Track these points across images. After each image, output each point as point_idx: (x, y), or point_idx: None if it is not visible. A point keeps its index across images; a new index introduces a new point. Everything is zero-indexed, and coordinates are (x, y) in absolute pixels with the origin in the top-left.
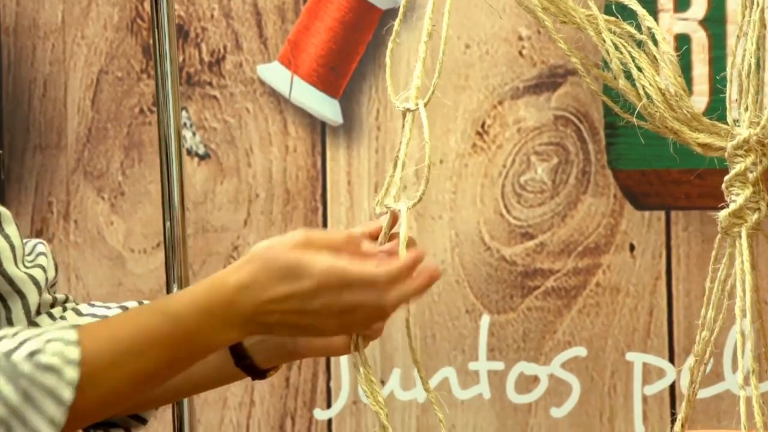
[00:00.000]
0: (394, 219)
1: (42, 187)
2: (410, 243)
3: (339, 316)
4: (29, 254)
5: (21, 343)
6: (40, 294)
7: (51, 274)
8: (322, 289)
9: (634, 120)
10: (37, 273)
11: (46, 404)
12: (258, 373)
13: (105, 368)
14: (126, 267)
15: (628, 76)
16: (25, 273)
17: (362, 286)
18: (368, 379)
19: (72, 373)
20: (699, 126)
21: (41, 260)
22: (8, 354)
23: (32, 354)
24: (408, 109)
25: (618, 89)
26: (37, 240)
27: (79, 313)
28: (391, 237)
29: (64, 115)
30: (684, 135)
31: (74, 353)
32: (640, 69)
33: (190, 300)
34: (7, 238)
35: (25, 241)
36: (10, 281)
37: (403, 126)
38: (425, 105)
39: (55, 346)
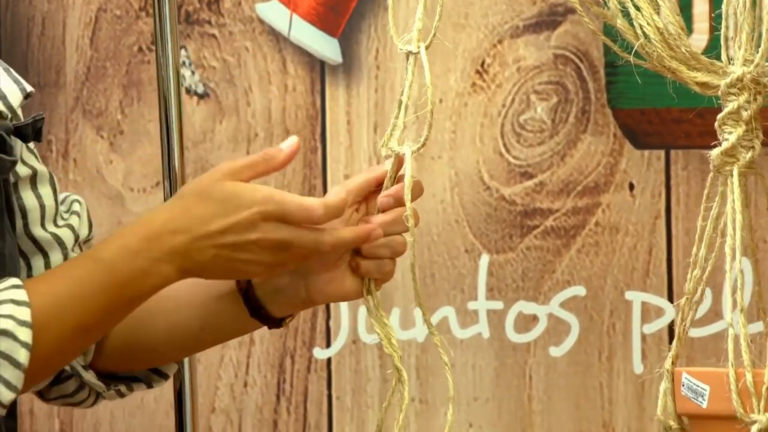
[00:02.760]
0: (399, 163)
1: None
2: (416, 186)
3: (274, 252)
4: (66, 211)
5: None
6: (65, 254)
7: (83, 232)
8: (259, 221)
9: (632, 59)
10: (64, 233)
11: (3, 368)
12: (274, 321)
13: (49, 324)
14: (125, 206)
15: (626, 15)
16: (51, 233)
17: (300, 218)
18: (382, 323)
19: (25, 335)
20: (697, 65)
21: (73, 220)
22: None
23: None
24: (410, 52)
25: (616, 28)
26: (76, 197)
27: None
28: (397, 180)
29: (63, 54)
30: (682, 74)
31: (25, 314)
32: (638, 8)
33: (119, 243)
34: (39, 198)
35: (63, 196)
36: (34, 240)
37: (407, 69)
38: (426, 48)
39: (6, 308)
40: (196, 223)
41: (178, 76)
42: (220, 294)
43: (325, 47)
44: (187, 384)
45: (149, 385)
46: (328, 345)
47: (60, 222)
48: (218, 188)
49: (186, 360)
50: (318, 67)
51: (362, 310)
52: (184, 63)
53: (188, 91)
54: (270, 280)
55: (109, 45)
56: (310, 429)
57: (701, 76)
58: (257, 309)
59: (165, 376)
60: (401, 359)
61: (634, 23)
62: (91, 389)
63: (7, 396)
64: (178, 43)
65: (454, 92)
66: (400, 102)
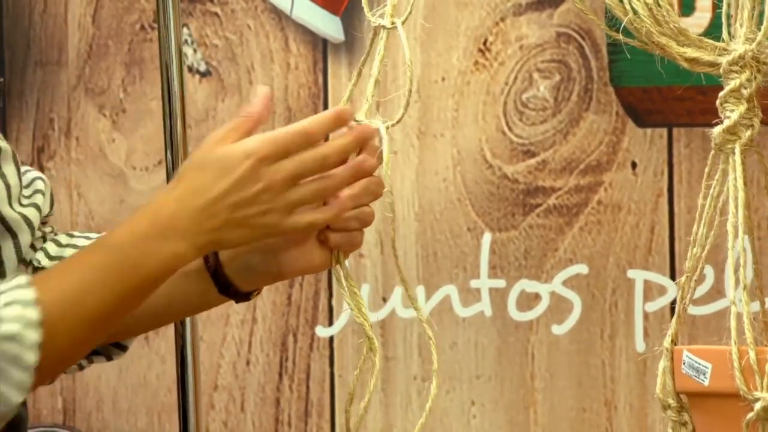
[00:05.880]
0: (359, 135)
1: (43, 103)
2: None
3: (286, 193)
4: (27, 187)
5: None
6: (32, 234)
7: (45, 210)
8: (259, 168)
9: (621, 37)
10: (31, 213)
11: (11, 372)
12: (242, 296)
13: (62, 320)
14: (128, 184)
15: None
16: (19, 213)
17: (298, 143)
18: (352, 292)
19: (33, 336)
20: (686, 41)
21: (37, 198)
22: None
23: None
24: (383, 27)
25: (605, 3)
26: (37, 174)
27: (59, 244)
28: (359, 153)
29: (65, 31)
30: (671, 49)
31: (34, 314)
32: None
33: (129, 229)
34: (3, 177)
35: (24, 170)
36: (3, 221)
37: (371, 42)
38: (402, 23)
39: (13, 310)
40: (200, 194)
41: (180, 54)
42: (187, 272)
43: (328, 25)
44: (189, 362)
45: (109, 358)
46: (331, 323)
47: (24, 201)
48: (211, 156)
49: (188, 338)
50: (320, 46)
51: (364, 289)
52: (186, 41)
53: (190, 69)
54: (239, 258)
55: (111, 23)
56: (312, 407)
57: (691, 52)
58: (226, 286)
59: (124, 348)
60: (372, 328)
61: None
62: None
63: (16, 398)
64: (180, 22)
65: (457, 70)
66: (377, 78)
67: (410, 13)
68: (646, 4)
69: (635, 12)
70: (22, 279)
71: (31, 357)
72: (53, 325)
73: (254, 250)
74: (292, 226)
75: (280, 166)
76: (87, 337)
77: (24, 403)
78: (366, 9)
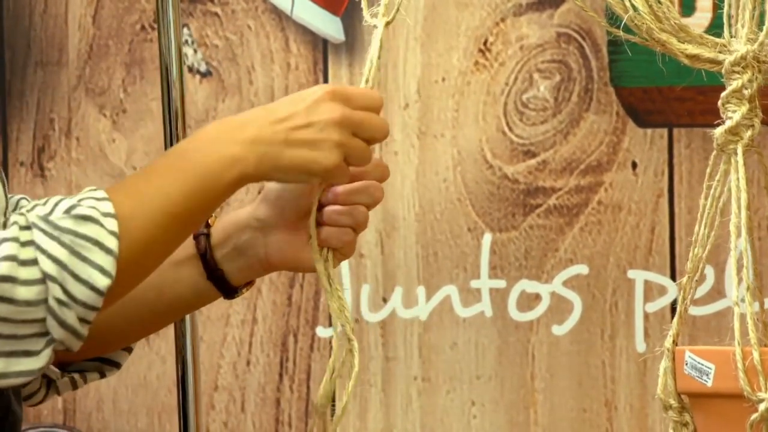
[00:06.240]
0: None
1: (43, 103)
2: (383, 169)
3: (343, 131)
4: (14, 210)
5: (55, 205)
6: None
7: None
8: (327, 100)
9: (622, 34)
10: None
11: (94, 254)
12: (230, 288)
13: (135, 216)
14: None
15: None
16: None
17: (364, 100)
18: (336, 296)
19: (111, 224)
20: (686, 37)
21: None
22: (45, 216)
23: (69, 210)
24: (375, 26)
25: (606, 1)
26: (21, 196)
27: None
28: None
29: (65, 32)
30: (672, 46)
31: (107, 206)
32: None
33: (195, 136)
34: None
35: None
36: None
37: (371, 41)
38: (389, 23)
39: (88, 202)
40: (269, 113)
41: (180, 54)
42: (177, 260)
43: (328, 26)
44: (189, 362)
45: (102, 375)
46: (331, 324)
47: None
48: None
49: (189, 338)
50: (321, 46)
51: (365, 290)
52: (186, 41)
53: (191, 69)
54: (229, 241)
55: (111, 23)
56: (312, 407)
57: (692, 49)
58: (214, 271)
59: (117, 365)
60: (353, 330)
61: None
62: (42, 381)
63: (103, 282)
64: (180, 22)
65: (457, 71)
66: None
67: (397, 11)
68: (647, 1)
69: (635, 9)
70: (92, 187)
71: (112, 242)
72: (127, 219)
73: (246, 228)
74: (339, 167)
75: (346, 108)
76: (160, 233)
77: (19, 402)
78: (364, 8)
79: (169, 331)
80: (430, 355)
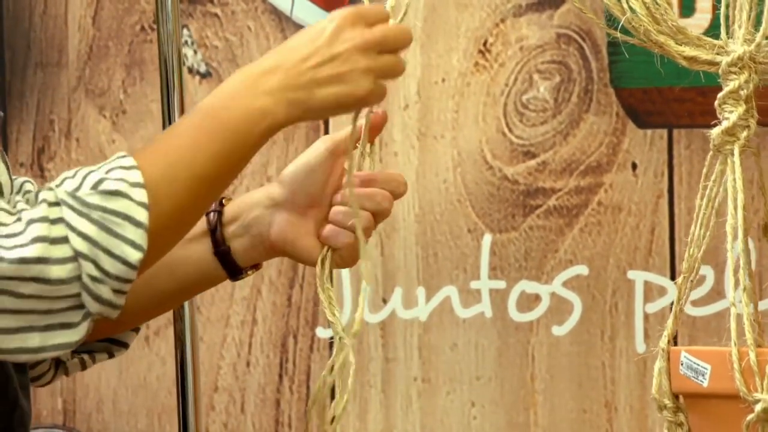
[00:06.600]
0: (373, 122)
1: (43, 104)
2: (399, 181)
3: (370, 55)
4: (18, 192)
5: (83, 179)
6: None
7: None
8: (343, 26)
9: (619, 34)
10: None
11: (124, 228)
12: (235, 270)
13: (164, 182)
14: None
15: None
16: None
17: (379, 17)
18: (327, 295)
19: (140, 195)
20: (684, 39)
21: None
22: (73, 192)
23: (96, 185)
24: None
25: (604, 3)
26: (25, 179)
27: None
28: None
29: (65, 33)
30: (669, 48)
31: (136, 176)
32: None
33: (218, 92)
34: None
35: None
36: None
37: None
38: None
39: (116, 173)
40: (289, 56)
41: (180, 55)
42: (188, 237)
43: None
44: (189, 363)
45: (111, 355)
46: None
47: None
48: (301, 30)
49: (188, 339)
50: None
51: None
52: (186, 42)
53: (190, 70)
54: (239, 217)
55: (111, 24)
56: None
57: (689, 51)
58: (221, 246)
59: (125, 345)
60: (344, 330)
61: None
62: (51, 362)
63: (135, 256)
64: (180, 22)
65: (457, 72)
66: None
67: (405, 13)
68: (644, 3)
69: (633, 11)
70: (120, 152)
71: (142, 214)
72: (155, 187)
73: (256, 205)
74: (373, 92)
75: (364, 31)
76: (189, 201)
77: (27, 397)
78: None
79: (169, 331)
80: (430, 356)
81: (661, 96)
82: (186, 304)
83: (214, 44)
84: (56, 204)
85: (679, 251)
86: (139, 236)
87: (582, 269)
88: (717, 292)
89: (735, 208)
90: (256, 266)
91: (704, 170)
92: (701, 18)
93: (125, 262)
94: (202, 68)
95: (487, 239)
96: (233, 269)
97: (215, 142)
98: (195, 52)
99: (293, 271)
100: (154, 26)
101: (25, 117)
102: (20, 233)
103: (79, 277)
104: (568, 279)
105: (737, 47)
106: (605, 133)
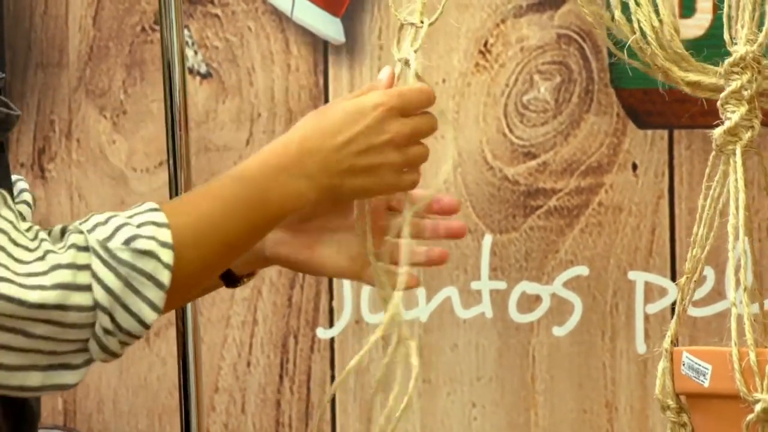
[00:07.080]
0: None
1: (44, 105)
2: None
3: (403, 151)
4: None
5: (115, 230)
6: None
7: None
8: (388, 116)
9: (625, 57)
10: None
11: (147, 288)
12: (232, 278)
13: (193, 245)
14: (129, 186)
15: (625, 9)
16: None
17: (421, 101)
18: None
19: (167, 256)
20: (688, 66)
21: (22, 208)
22: (104, 242)
23: (128, 241)
24: (412, 24)
25: (613, 21)
26: (25, 186)
27: None
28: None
29: (66, 33)
30: (673, 74)
31: (166, 236)
32: (638, 3)
33: (260, 161)
34: None
35: (14, 179)
36: None
37: (398, 39)
38: (431, 24)
39: (148, 230)
40: (329, 137)
41: (182, 55)
42: None
43: (328, 27)
44: (190, 364)
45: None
46: (331, 325)
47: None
48: (339, 105)
49: (189, 340)
50: (321, 47)
51: (365, 291)
52: (187, 43)
53: (191, 71)
54: None
55: (112, 24)
56: (313, 409)
57: (692, 76)
58: None
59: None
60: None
61: (633, 18)
62: None
63: (151, 316)
64: (181, 23)
65: (457, 72)
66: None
67: (441, 14)
68: (653, 27)
69: (643, 33)
70: (152, 203)
71: (166, 276)
72: (184, 248)
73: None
74: (403, 185)
75: (407, 121)
76: (214, 264)
77: (38, 397)
78: (393, 7)
79: (170, 332)
80: (431, 356)
81: (662, 96)
82: (188, 304)
83: (215, 45)
84: (85, 249)
85: (680, 252)
86: (158, 298)
87: (582, 270)
88: (718, 293)
89: (737, 208)
90: (252, 274)
91: (707, 170)
92: (702, 18)
93: (140, 321)
94: (203, 69)
95: (488, 240)
96: (230, 278)
97: (251, 213)
98: (195, 52)
99: (294, 272)
100: (155, 27)
101: (25, 117)
102: (42, 274)
103: (92, 325)
104: (569, 279)
105: (740, 47)
106: (606, 134)
